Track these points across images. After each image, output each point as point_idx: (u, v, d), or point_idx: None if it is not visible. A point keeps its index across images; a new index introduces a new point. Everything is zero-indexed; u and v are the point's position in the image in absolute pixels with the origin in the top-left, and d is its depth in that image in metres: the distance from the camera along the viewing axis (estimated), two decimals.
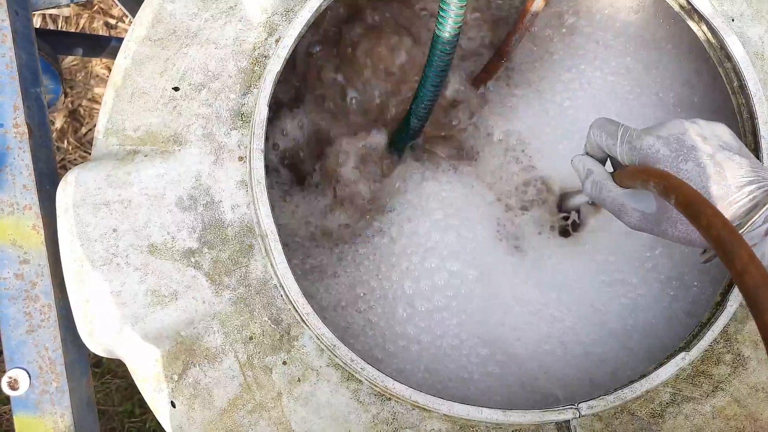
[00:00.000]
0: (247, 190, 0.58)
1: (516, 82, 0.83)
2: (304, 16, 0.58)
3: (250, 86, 0.61)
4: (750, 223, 0.44)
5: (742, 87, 0.58)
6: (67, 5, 0.85)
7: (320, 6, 0.59)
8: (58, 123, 1.58)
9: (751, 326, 0.60)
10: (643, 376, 0.55)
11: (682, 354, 0.54)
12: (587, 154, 0.56)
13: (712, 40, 0.60)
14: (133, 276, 0.58)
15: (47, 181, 0.65)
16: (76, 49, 1.21)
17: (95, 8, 1.58)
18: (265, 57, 0.61)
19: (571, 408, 0.53)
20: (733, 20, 0.61)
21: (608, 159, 0.55)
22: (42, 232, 0.61)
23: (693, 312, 0.71)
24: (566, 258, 0.77)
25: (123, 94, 0.63)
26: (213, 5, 0.64)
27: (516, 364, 0.69)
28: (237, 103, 0.61)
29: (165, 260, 0.58)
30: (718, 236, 0.37)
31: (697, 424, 0.57)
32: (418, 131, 0.75)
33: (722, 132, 0.48)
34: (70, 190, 0.59)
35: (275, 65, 0.58)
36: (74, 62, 1.59)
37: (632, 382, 0.55)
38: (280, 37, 0.60)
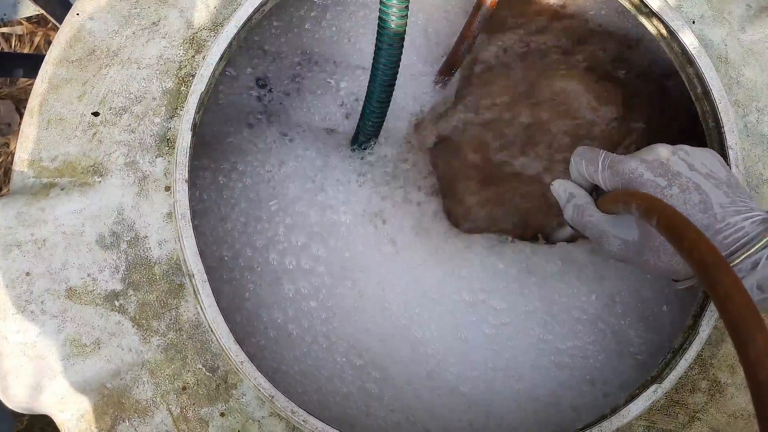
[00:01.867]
0: (174, 224, 0.53)
1: None
2: (230, 31, 0.53)
3: (177, 108, 0.56)
4: (736, 255, 0.42)
5: (706, 93, 0.54)
6: (19, 23, 0.79)
7: (249, 19, 0.54)
8: (13, 145, 1.50)
9: (727, 349, 0.56)
10: (613, 411, 0.50)
11: (654, 386, 0.50)
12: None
13: (672, 44, 0.56)
14: (50, 324, 0.52)
15: None
16: (16, 71, 1.14)
17: (50, 25, 1.50)
18: (192, 76, 0.56)
19: None
20: (693, 22, 0.58)
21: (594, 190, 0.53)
22: None
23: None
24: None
25: (39, 121, 0.57)
26: (135, 21, 0.58)
27: (391, 386, 0.64)
28: (162, 128, 0.56)
29: (86, 305, 0.52)
30: (702, 260, 0.34)
31: None
32: (375, 130, 0.70)
33: (709, 160, 0.46)
34: None
35: (199, 85, 0.52)
36: (29, 82, 1.52)
37: (603, 418, 0.50)
38: (206, 55, 0.55)
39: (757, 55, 0.58)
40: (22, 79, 1.52)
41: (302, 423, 0.48)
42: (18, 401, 0.52)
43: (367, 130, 0.67)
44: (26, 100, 1.52)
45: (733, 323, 0.32)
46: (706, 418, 0.54)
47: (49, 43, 1.49)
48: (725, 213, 0.43)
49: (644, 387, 0.50)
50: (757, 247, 0.41)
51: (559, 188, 0.53)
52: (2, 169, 1.53)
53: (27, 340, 0.51)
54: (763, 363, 0.30)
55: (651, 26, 0.58)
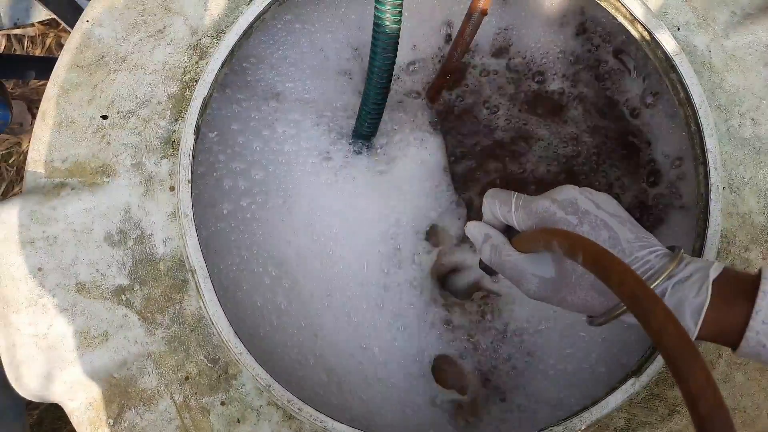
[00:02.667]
0: (178, 222, 0.56)
1: None
2: (230, 39, 0.55)
3: (181, 112, 0.59)
4: (655, 284, 0.43)
5: (688, 98, 0.56)
6: (32, 25, 0.82)
7: (249, 27, 0.56)
8: (25, 145, 1.54)
9: (706, 345, 0.58)
10: (594, 403, 0.52)
11: (632, 380, 0.52)
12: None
13: (656, 50, 0.58)
14: (61, 317, 0.55)
15: None
16: (28, 73, 1.18)
17: (61, 27, 1.54)
18: (196, 81, 0.59)
19: None
20: (678, 29, 0.60)
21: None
22: None
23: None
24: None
25: (51, 124, 0.60)
26: (142, 28, 0.61)
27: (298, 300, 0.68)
28: (167, 131, 0.58)
29: (94, 299, 0.55)
30: (633, 293, 0.35)
31: None
32: (372, 130, 0.72)
33: (609, 202, 0.48)
34: None
35: (202, 90, 0.55)
36: (42, 83, 1.55)
37: (584, 409, 0.53)
38: (209, 61, 0.58)
39: (740, 61, 0.60)
40: (34, 80, 1.56)
41: (297, 411, 0.51)
42: (30, 390, 0.55)
43: (364, 131, 0.70)
44: (38, 100, 1.56)
45: (671, 357, 0.33)
46: (685, 412, 0.56)
47: (60, 45, 1.53)
48: (632, 248, 0.44)
49: (623, 381, 0.52)
50: (662, 277, 0.42)
51: (474, 230, 0.54)
52: (15, 168, 1.56)
53: (39, 332, 0.54)
54: (704, 396, 0.31)
55: (635, 31, 0.60)
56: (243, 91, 0.75)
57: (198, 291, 0.54)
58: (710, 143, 0.54)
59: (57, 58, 0.62)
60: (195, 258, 0.52)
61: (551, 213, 0.47)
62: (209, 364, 0.55)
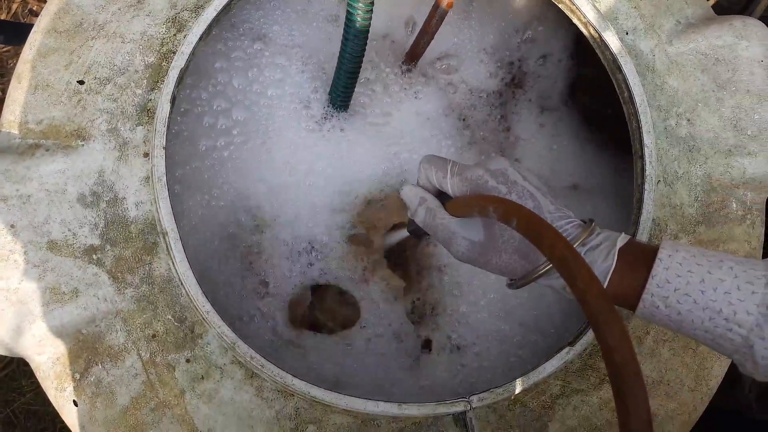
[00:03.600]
0: (151, 187, 0.58)
1: None
2: (209, 14, 0.58)
3: (157, 82, 0.61)
4: None
5: (631, 98, 0.62)
6: None
7: (228, 3, 0.59)
8: None
9: (636, 323, 0.64)
10: (534, 368, 0.58)
11: (567, 348, 0.57)
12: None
13: (605, 52, 0.63)
14: (32, 273, 0.57)
15: None
16: None
17: None
18: (174, 53, 0.61)
19: (462, 401, 0.56)
20: (627, 33, 0.65)
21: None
22: None
23: None
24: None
25: (26, 86, 0.61)
26: None
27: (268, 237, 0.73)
28: (143, 99, 0.61)
29: (65, 257, 0.57)
30: (562, 256, 0.39)
31: (584, 414, 0.61)
32: (344, 103, 0.75)
33: (532, 174, 0.52)
34: None
35: (179, 61, 0.58)
36: (5, 49, 1.52)
37: (522, 373, 0.58)
38: (187, 34, 0.60)
39: (681, 67, 0.66)
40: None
41: (260, 368, 0.54)
42: (0, 342, 0.57)
43: (337, 104, 0.74)
44: (2, 66, 1.52)
45: (592, 312, 0.37)
46: None
47: (30, 11, 1.50)
48: (553, 217, 0.49)
49: (559, 350, 0.58)
50: (577, 243, 0.47)
51: (410, 193, 0.57)
52: None
53: (9, 286, 0.56)
54: (619, 348, 0.35)
55: (587, 32, 0.65)
56: (229, 30, 0.77)
57: (169, 252, 0.56)
58: (648, 139, 0.60)
59: (25, 24, 0.63)
60: (167, 221, 0.55)
61: (484, 181, 0.50)
62: (176, 324, 0.58)
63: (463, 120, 0.83)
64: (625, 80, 0.61)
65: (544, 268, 0.48)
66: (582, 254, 0.47)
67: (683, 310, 0.43)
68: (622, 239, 0.47)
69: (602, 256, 0.46)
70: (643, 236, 0.60)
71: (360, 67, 0.66)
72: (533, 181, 0.51)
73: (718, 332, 0.43)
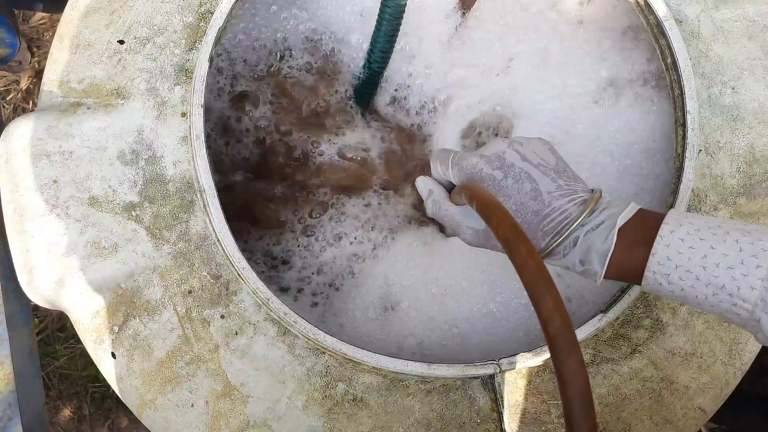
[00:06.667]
0: (188, 147, 0.59)
1: None
2: None
3: (196, 42, 0.61)
4: (558, 235, 0.47)
5: (674, 63, 0.60)
6: None
7: None
8: (24, 83, 1.54)
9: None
10: None
11: (599, 315, 0.57)
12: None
13: (649, 16, 0.62)
14: (73, 227, 0.58)
15: None
16: (36, 4, 1.18)
17: None
18: (211, 13, 0.61)
19: (492, 363, 0.56)
20: None
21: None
22: None
23: None
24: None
25: (68, 46, 0.62)
26: None
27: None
28: (182, 59, 0.61)
29: (105, 213, 0.59)
30: (505, 235, 0.41)
31: (614, 383, 0.60)
32: (375, 83, 0.75)
33: (540, 148, 0.52)
34: (11, 141, 0.59)
35: (218, 21, 0.58)
36: (41, 21, 1.55)
37: None
38: None
39: (727, 33, 0.64)
40: (35, 18, 1.55)
41: (293, 324, 0.55)
42: (41, 294, 0.59)
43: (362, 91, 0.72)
44: (38, 38, 1.55)
45: (529, 287, 0.38)
46: (647, 352, 0.61)
47: None
48: (551, 198, 0.48)
49: (591, 317, 0.57)
50: (574, 225, 0.47)
51: (421, 185, 0.58)
52: (12, 106, 1.57)
53: (52, 240, 0.58)
54: (553, 319, 0.36)
55: None
56: None
57: (206, 210, 0.57)
58: (690, 105, 0.58)
59: None
60: (204, 179, 0.56)
61: (478, 169, 0.51)
62: (212, 280, 0.59)
63: None
64: (669, 46, 0.60)
65: (547, 248, 0.48)
66: (582, 236, 0.47)
67: (686, 286, 0.43)
68: (626, 215, 0.46)
69: (602, 238, 0.46)
70: (682, 206, 0.59)
71: (393, 48, 0.64)
72: (534, 159, 0.50)
73: (724, 307, 0.42)
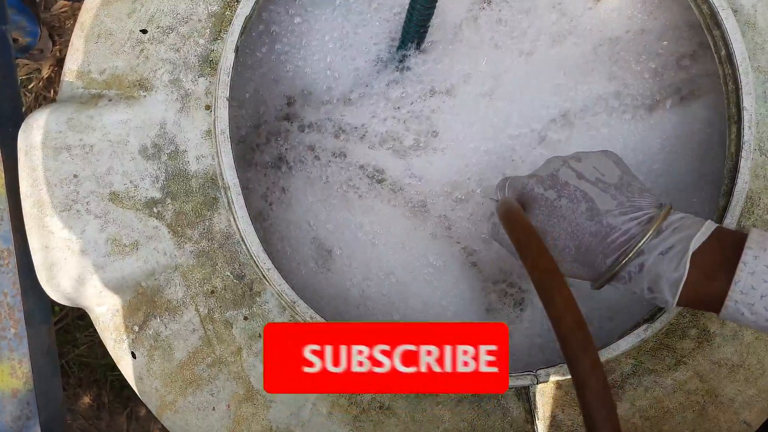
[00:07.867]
0: (213, 141, 0.57)
1: None
2: None
3: (221, 32, 0.59)
4: (621, 258, 0.44)
5: (729, 56, 0.56)
6: None
7: None
8: (45, 72, 1.54)
9: None
10: (603, 346, 0.54)
11: (645, 325, 0.54)
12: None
13: (702, 6, 0.58)
14: (94, 224, 0.56)
15: (10, 124, 0.62)
16: None
17: None
18: (237, 1, 0.59)
19: (529, 374, 0.53)
20: None
21: None
22: (2, 175, 0.60)
23: None
24: None
25: (89, 35, 0.60)
26: None
27: None
28: (206, 49, 0.59)
29: (127, 209, 0.57)
30: (517, 239, 0.41)
31: (656, 396, 0.57)
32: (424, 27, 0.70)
33: (601, 163, 0.48)
34: (31, 133, 0.57)
35: (245, 9, 0.55)
36: (63, 9, 1.54)
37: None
38: None
39: None
40: (56, 6, 1.54)
41: None
42: (60, 291, 0.57)
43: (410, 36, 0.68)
44: (60, 27, 1.54)
45: (539, 287, 0.37)
46: (692, 363, 0.58)
47: None
48: (610, 216, 0.44)
49: (636, 326, 0.54)
50: (637, 247, 0.43)
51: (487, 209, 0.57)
52: (33, 95, 1.56)
53: (72, 236, 0.56)
54: (564, 318, 0.35)
55: None
56: None
57: (230, 207, 0.55)
58: (747, 101, 0.54)
59: None
60: (229, 175, 0.54)
61: (529, 189, 0.48)
62: (235, 281, 0.57)
63: None
64: (723, 37, 0.56)
65: (607, 273, 0.45)
66: (648, 263, 0.43)
67: None
68: (699, 238, 0.42)
69: (672, 265, 0.42)
70: (736, 209, 0.55)
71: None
72: (591, 176, 0.47)
73: None
